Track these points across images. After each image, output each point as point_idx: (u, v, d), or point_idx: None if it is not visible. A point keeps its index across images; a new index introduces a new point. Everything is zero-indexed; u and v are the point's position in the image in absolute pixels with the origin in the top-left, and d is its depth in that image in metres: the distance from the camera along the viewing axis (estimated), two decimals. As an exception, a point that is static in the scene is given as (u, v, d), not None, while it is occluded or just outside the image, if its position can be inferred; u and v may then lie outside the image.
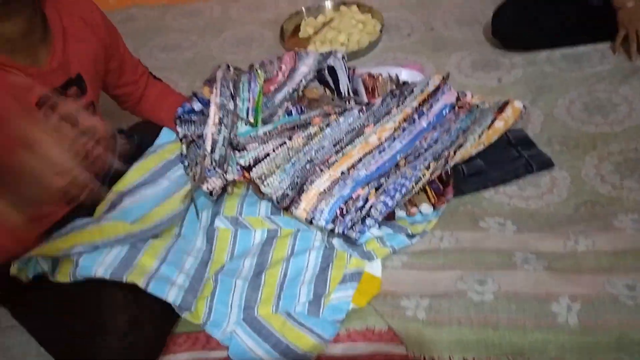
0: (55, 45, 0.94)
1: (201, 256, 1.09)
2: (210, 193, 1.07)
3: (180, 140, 1.13)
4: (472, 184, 1.19)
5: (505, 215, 1.14)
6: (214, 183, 1.07)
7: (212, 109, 1.15)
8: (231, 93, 1.18)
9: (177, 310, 1.00)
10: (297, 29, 1.92)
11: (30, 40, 0.91)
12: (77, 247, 0.96)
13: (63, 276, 0.96)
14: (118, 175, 1.15)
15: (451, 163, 1.13)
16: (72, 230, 0.97)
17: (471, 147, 1.17)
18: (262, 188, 1.07)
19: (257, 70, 1.23)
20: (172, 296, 0.99)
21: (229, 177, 1.08)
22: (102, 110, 1.30)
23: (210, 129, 1.12)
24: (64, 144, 0.96)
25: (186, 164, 1.11)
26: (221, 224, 1.13)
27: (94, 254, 0.97)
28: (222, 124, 1.13)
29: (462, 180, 1.18)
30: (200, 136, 1.13)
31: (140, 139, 1.24)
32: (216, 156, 1.10)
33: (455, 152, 1.13)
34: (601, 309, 0.88)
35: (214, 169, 1.08)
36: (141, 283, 0.96)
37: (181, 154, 1.12)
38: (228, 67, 1.27)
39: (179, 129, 1.13)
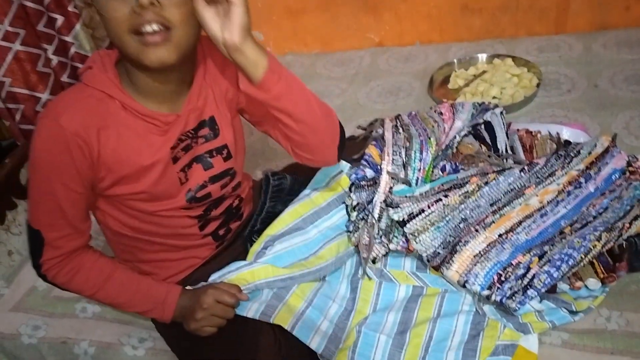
0: (191, 92, 0.98)
1: (345, 304, 1.08)
2: (374, 260, 1.08)
3: (354, 207, 1.13)
4: (647, 261, 1.06)
5: (689, 301, 1.00)
6: (378, 251, 1.07)
7: (384, 178, 1.14)
8: (403, 162, 1.18)
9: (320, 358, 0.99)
10: (446, 80, 1.90)
11: (178, 93, 0.96)
12: None
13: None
14: (270, 214, 1.18)
15: (625, 235, 1.02)
16: (229, 273, 1.03)
17: (649, 219, 1.05)
18: (414, 245, 1.05)
19: (430, 139, 1.20)
20: (315, 343, 1.00)
21: (392, 247, 1.08)
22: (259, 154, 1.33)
23: (379, 197, 1.12)
24: (194, 185, 1.02)
25: (351, 228, 1.12)
26: (365, 274, 1.12)
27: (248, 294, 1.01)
28: (387, 195, 1.13)
29: (636, 255, 1.05)
30: (370, 202, 1.13)
31: (293, 181, 1.27)
32: (382, 225, 1.10)
33: (630, 224, 1.02)
34: None
35: (380, 237, 1.08)
36: (287, 325, 0.98)
37: (349, 219, 1.14)
38: (396, 126, 1.26)
39: (353, 196, 1.14)
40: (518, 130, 1.39)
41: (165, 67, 0.87)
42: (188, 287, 1.04)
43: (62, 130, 0.87)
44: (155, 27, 0.81)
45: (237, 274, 1.02)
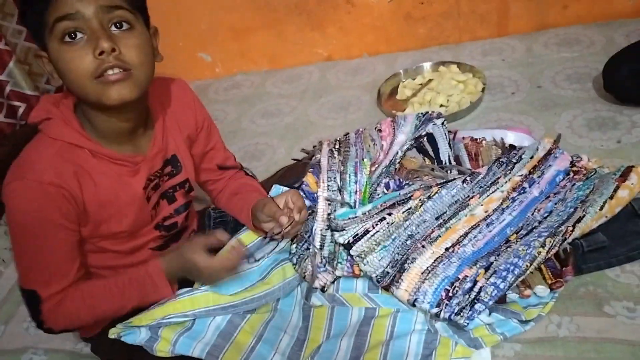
0: (156, 133, 1.00)
1: (297, 334, 1.06)
2: (322, 289, 1.06)
3: (292, 240, 1.12)
4: (593, 262, 1.06)
5: (636, 299, 1.01)
6: (325, 279, 1.06)
7: (321, 206, 1.14)
8: (339, 187, 1.17)
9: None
10: (394, 91, 1.90)
11: (136, 133, 0.98)
12: (171, 316, 0.99)
13: (162, 352, 0.99)
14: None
15: (569, 239, 1.02)
16: (168, 300, 0.99)
17: (592, 220, 1.05)
18: (362, 266, 1.03)
19: (363, 160, 1.20)
20: (266, 381, 0.97)
21: (338, 273, 1.06)
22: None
23: (318, 225, 1.11)
24: (161, 218, 1.04)
25: (294, 260, 1.10)
26: (317, 300, 1.10)
27: (194, 330, 0.98)
28: (330, 220, 1.11)
29: (582, 257, 1.06)
30: (309, 231, 1.12)
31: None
32: (325, 253, 1.09)
33: (574, 227, 1.02)
34: None
35: (324, 265, 1.07)
36: (235, 366, 0.95)
37: (289, 252, 1.12)
38: (332, 150, 1.26)
39: None
40: (463, 138, 1.40)
41: (126, 104, 0.88)
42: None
43: (43, 186, 0.87)
44: (116, 70, 0.84)
45: (176, 300, 0.99)
